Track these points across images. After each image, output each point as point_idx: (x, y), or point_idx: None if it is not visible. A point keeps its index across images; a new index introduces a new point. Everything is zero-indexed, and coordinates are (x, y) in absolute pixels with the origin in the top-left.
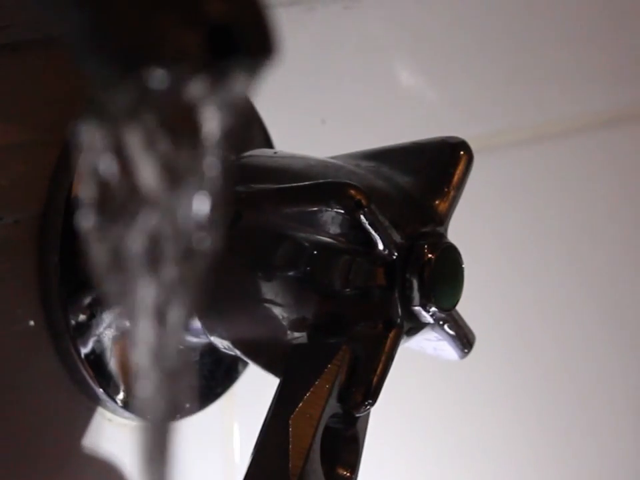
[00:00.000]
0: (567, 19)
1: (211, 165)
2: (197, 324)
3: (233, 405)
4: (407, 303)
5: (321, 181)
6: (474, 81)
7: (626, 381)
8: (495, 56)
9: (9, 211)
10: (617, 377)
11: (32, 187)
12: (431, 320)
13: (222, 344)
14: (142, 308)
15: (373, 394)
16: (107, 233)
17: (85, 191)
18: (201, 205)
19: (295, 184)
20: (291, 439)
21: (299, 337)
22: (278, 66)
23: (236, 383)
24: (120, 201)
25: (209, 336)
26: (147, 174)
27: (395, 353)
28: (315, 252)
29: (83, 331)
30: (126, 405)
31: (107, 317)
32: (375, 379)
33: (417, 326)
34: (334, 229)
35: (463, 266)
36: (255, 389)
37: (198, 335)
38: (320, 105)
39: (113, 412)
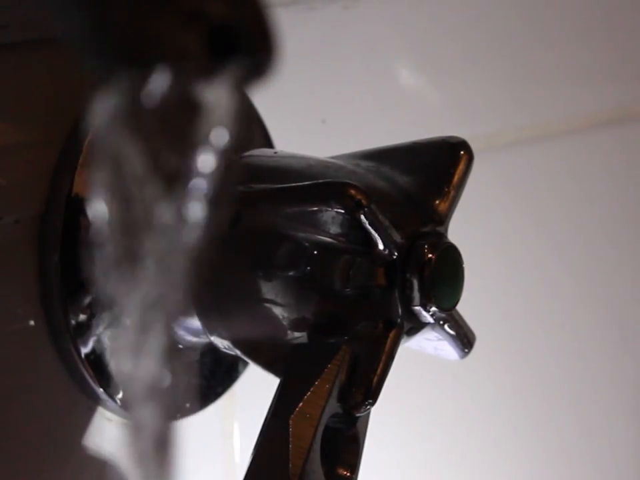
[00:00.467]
0: (567, 19)
1: (209, 163)
2: (197, 324)
3: (233, 404)
4: (407, 303)
5: (321, 180)
6: (474, 81)
7: (625, 382)
8: (494, 56)
9: (9, 211)
10: (617, 377)
11: (32, 187)
12: (431, 320)
13: (222, 344)
14: (135, 304)
15: (373, 394)
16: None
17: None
18: (198, 202)
19: (295, 184)
20: (291, 439)
21: (299, 336)
22: (278, 66)
23: (236, 383)
24: (121, 199)
25: (209, 336)
26: (145, 171)
27: (395, 352)
28: (315, 252)
29: (83, 330)
30: (126, 404)
31: (107, 317)
32: (375, 379)
33: (417, 326)
34: (334, 229)
35: (463, 266)
36: (255, 388)
37: (198, 334)
38: (320, 105)
39: (113, 412)
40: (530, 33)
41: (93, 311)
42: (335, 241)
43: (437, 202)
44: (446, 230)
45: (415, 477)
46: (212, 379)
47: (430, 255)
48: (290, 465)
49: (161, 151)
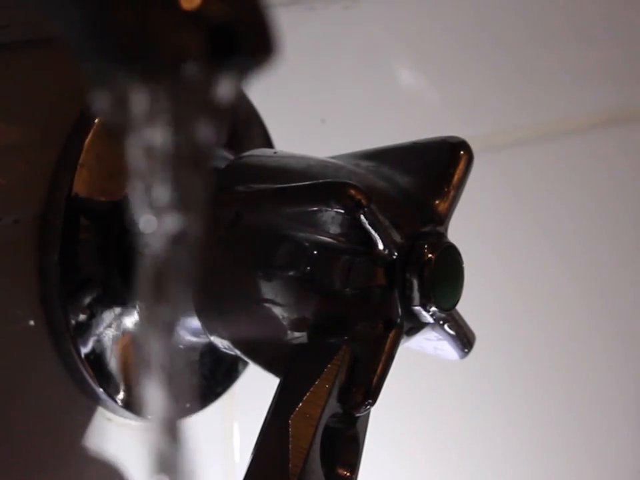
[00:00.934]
0: (567, 19)
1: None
2: (197, 324)
3: (232, 404)
4: (407, 303)
5: (321, 180)
6: (474, 81)
7: (625, 381)
8: (494, 56)
9: (9, 211)
10: (617, 377)
11: (32, 187)
12: (431, 320)
13: (222, 344)
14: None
15: (373, 394)
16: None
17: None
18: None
19: (295, 184)
20: (290, 439)
21: (299, 336)
22: (278, 66)
23: (236, 383)
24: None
25: (209, 336)
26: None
27: (395, 352)
28: (315, 252)
29: (83, 330)
30: (126, 404)
31: (107, 317)
32: (375, 379)
33: (417, 326)
34: (334, 229)
35: (463, 266)
36: (255, 388)
37: (198, 334)
38: (320, 105)
39: (113, 411)
40: (530, 32)
41: (92, 311)
42: (335, 241)
43: (437, 202)
44: (446, 230)
45: (415, 476)
46: (212, 379)
47: (430, 255)
48: (290, 465)
49: (160, 150)
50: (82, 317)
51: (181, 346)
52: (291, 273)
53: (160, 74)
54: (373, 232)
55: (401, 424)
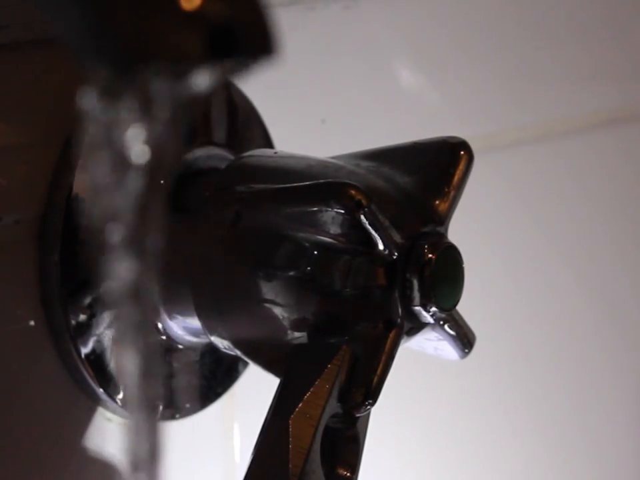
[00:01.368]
0: (567, 19)
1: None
2: (197, 324)
3: (233, 404)
4: (407, 303)
5: (321, 180)
6: (474, 81)
7: (625, 381)
8: (494, 56)
9: (9, 211)
10: (617, 377)
11: (32, 187)
12: (431, 320)
13: (222, 344)
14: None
15: (373, 394)
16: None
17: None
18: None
19: (295, 184)
20: (290, 439)
21: (299, 337)
22: (278, 66)
23: (236, 383)
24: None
25: (209, 336)
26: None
27: (395, 353)
28: (315, 252)
29: (83, 330)
30: (126, 404)
31: (107, 317)
32: (375, 379)
33: (417, 326)
34: (334, 229)
35: (463, 266)
36: (255, 389)
37: (198, 334)
38: (320, 105)
39: (113, 412)
40: (530, 32)
41: (93, 311)
42: (335, 241)
43: (437, 202)
44: (446, 230)
45: (415, 476)
46: (212, 379)
47: (430, 255)
48: (290, 465)
49: (160, 150)
50: (82, 317)
51: (181, 346)
52: (291, 273)
53: (160, 74)
54: (373, 232)
55: (401, 424)
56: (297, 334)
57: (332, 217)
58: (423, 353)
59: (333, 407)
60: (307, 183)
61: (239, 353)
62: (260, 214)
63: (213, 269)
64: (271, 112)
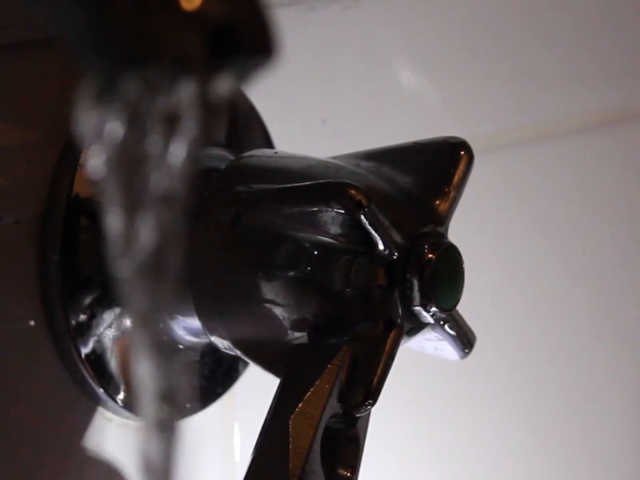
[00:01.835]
0: (566, 19)
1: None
2: (197, 324)
3: (233, 404)
4: (408, 303)
5: (321, 181)
6: (474, 81)
7: (625, 381)
8: (494, 56)
9: (9, 211)
10: (616, 377)
11: (32, 187)
12: (431, 320)
13: (222, 344)
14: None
15: (373, 394)
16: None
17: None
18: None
19: (295, 184)
20: (291, 439)
21: (299, 337)
22: (278, 66)
23: (236, 383)
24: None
25: (209, 336)
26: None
27: (396, 353)
28: (316, 252)
29: (84, 330)
30: (126, 404)
31: (108, 317)
32: (376, 379)
33: (417, 326)
34: (334, 229)
35: (463, 266)
36: (255, 389)
37: (198, 334)
38: (320, 105)
39: (114, 412)
40: (530, 33)
41: (93, 311)
42: (335, 241)
43: (437, 202)
44: (446, 230)
45: (415, 477)
46: (212, 379)
47: (430, 255)
48: (290, 465)
49: (159, 149)
50: (82, 317)
51: (181, 346)
52: (291, 273)
53: (160, 74)
54: (373, 232)
55: (401, 424)
56: (297, 334)
57: (332, 217)
58: (423, 352)
59: (333, 407)
60: (307, 183)
61: (239, 353)
62: (260, 214)
63: (212, 269)
64: (271, 112)
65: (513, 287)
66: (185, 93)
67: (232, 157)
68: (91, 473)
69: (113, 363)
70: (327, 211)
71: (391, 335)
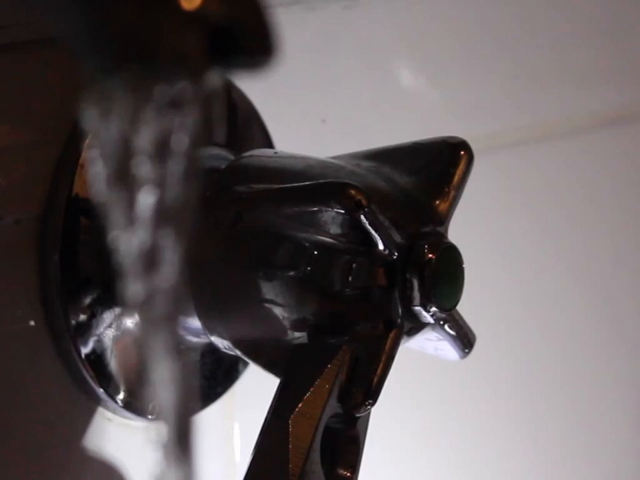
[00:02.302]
0: (566, 19)
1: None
2: (197, 324)
3: (233, 404)
4: (408, 303)
5: (321, 181)
6: (474, 81)
7: (625, 381)
8: (494, 56)
9: (9, 211)
10: (616, 377)
11: (32, 187)
12: (431, 320)
13: (222, 344)
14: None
15: (373, 394)
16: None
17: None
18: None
19: (296, 184)
20: (291, 439)
21: (299, 337)
22: (278, 66)
23: (236, 383)
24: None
25: (209, 336)
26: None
27: (396, 353)
28: (316, 252)
29: (84, 330)
30: (126, 404)
31: (108, 317)
32: (375, 379)
33: (417, 326)
34: (334, 229)
35: (463, 266)
36: (256, 389)
37: (198, 334)
38: (320, 105)
39: (113, 412)
40: (530, 33)
41: (93, 311)
42: (335, 241)
43: (437, 202)
44: (446, 230)
45: (415, 476)
46: (212, 379)
47: (430, 255)
48: (290, 465)
49: (159, 149)
50: (82, 317)
51: (181, 346)
52: (291, 273)
53: (160, 74)
54: (373, 232)
55: (401, 424)
56: (297, 334)
57: (332, 217)
58: (423, 352)
59: (333, 407)
60: (307, 183)
61: (239, 353)
62: (260, 214)
63: (213, 269)
64: (271, 112)
65: (512, 287)
66: (185, 92)
67: (232, 157)
68: (91, 472)
69: (113, 363)
70: (327, 210)
71: (391, 335)
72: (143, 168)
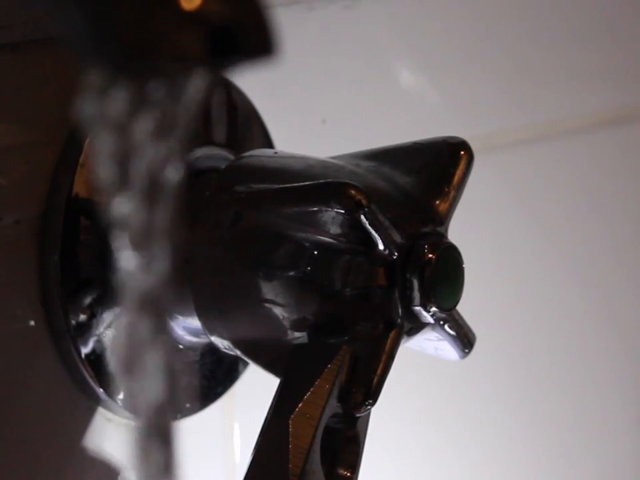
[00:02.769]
0: (566, 19)
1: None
2: (197, 324)
3: (233, 404)
4: (408, 303)
5: (321, 181)
6: (474, 81)
7: (625, 381)
8: (494, 56)
9: (9, 211)
10: (616, 377)
11: (32, 187)
12: (431, 320)
13: (222, 344)
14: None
15: (373, 394)
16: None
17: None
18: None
19: (296, 184)
20: (291, 439)
21: (299, 337)
22: (278, 66)
23: (236, 383)
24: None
25: (209, 336)
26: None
27: (396, 353)
28: (316, 252)
29: (83, 330)
30: (126, 404)
31: (108, 317)
32: (375, 379)
33: (417, 326)
34: (334, 229)
35: (463, 266)
36: (255, 389)
37: (198, 334)
38: (320, 105)
39: (113, 412)
40: (530, 33)
41: (93, 311)
42: (335, 241)
43: (437, 202)
44: (446, 230)
45: (415, 476)
46: (212, 379)
47: (430, 255)
48: (290, 465)
49: (159, 149)
50: (82, 317)
51: (181, 346)
52: (291, 273)
53: (160, 74)
54: (373, 232)
55: (401, 424)
56: (297, 334)
57: (332, 217)
58: (423, 352)
59: (333, 407)
60: (307, 183)
61: (239, 352)
62: (260, 214)
63: (212, 269)
64: (271, 112)
65: (512, 287)
66: (185, 91)
67: (232, 157)
68: (91, 472)
69: (113, 363)
70: (327, 210)
71: (391, 335)
72: (143, 167)
